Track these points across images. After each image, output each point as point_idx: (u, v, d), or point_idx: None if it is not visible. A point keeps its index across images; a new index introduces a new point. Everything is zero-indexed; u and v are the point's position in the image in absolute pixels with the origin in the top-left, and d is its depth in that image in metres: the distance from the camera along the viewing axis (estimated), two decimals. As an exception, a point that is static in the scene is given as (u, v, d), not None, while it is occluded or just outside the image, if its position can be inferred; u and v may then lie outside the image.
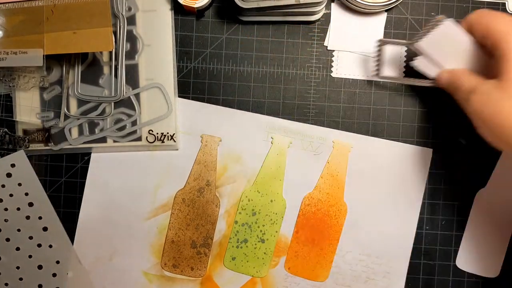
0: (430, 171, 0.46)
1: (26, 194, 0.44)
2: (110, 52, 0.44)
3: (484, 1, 0.46)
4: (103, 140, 0.45)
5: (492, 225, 0.46)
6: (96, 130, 0.45)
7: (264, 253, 0.46)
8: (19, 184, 0.44)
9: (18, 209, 0.44)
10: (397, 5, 0.44)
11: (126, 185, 0.46)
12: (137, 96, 0.45)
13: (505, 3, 0.46)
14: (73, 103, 0.45)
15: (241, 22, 0.45)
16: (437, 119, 0.46)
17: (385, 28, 0.46)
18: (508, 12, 0.46)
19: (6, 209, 0.43)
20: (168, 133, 0.45)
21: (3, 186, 0.44)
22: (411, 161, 0.46)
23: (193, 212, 0.46)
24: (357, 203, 0.46)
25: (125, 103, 0.45)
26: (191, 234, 0.46)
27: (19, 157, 0.44)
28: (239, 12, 0.44)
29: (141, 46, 0.45)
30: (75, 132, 0.45)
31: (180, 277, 0.46)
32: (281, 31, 0.46)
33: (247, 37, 0.46)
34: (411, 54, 0.42)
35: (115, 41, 0.44)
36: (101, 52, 0.44)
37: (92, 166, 0.45)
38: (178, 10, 0.45)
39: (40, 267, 0.44)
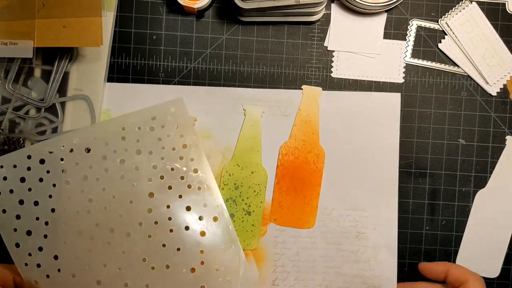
0: (430, 171, 0.46)
1: (181, 136, 0.44)
2: (43, 55, 0.44)
3: (484, 2, 0.46)
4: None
5: (492, 225, 0.46)
6: (16, 130, 0.44)
7: (252, 225, 0.46)
8: (177, 127, 0.44)
9: (174, 149, 0.43)
10: (397, 5, 0.44)
11: None
12: (62, 104, 0.44)
13: (505, 3, 0.46)
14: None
15: (241, 22, 0.45)
16: (437, 119, 0.46)
17: (385, 28, 0.46)
18: (508, 12, 0.46)
19: (163, 148, 0.43)
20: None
21: (162, 126, 0.44)
22: (382, 106, 0.46)
23: None
24: (333, 147, 0.46)
25: (50, 108, 0.44)
26: None
27: (179, 102, 0.44)
28: (239, 13, 0.44)
29: (76, 55, 0.44)
30: None
31: None
32: (281, 31, 0.46)
33: (247, 37, 0.46)
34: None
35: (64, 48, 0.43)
36: (35, 54, 0.43)
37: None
38: (178, 10, 0.45)
39: (188, 208, 0.43)
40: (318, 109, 0.46)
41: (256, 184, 0.46)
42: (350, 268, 0.46)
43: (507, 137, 0.46)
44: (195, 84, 0.46)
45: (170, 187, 0.43)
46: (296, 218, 0.46)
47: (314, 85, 0.46)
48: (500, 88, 0.46)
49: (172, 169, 0.43)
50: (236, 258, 0.43)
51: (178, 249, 0.42)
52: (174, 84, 0.46)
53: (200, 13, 0.45)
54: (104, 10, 0.44)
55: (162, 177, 0.43)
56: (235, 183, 0.46)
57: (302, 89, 0.46)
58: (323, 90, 0.46)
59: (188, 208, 0.43)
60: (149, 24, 0.46)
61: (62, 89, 0.44)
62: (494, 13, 0.46)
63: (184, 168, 0.43)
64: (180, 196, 0.43)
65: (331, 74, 0.46)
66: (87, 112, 0.45)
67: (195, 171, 0.44)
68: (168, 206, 0.43)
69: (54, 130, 0.44)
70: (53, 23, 0.41)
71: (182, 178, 0.43)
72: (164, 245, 0.42)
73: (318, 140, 0.46)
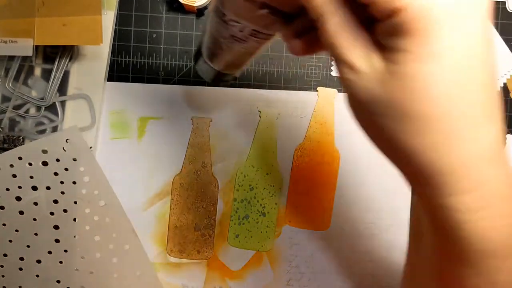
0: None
1: (81, 168, 0.43)
2: (44, 54, 0.44)
3: (484, 0, 0.46)
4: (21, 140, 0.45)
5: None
6: (16, 129, 0.44)
7: (267, 226, 0.46)
8: (74, 159, 0.43)
9: (74, 182, 0.43)
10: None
11: (116, 179, 0.45)
12: (62, 102, 0.45)
13: (505, 1, 0.46)
14: None
15: (241, 21, 0.45)
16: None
17: (385, 27, 0.46)
18: (508, 11, 0.46)
19: (62, 182, 0.43)
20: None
21: (57, 160, 0.43)
22: None
23: (193, 195, 0.46)
24: (349, 149, 0.46)
25: (50, 107, 0.44)
26: (193, 217, 0.46)
27: (73, 131, 0.43)
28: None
29: (76, 54, 0.45)
30: None
31: (187, 261, 0.46)
32: (281, 30, 0.46)
33: (247, 36, 0.46)
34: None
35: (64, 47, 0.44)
36: (36, 53, 0.43)
37: None
38: (178, 9, 0.45)
39: (96, 237, 0.43)
40: (334, 111, 0.46)
41: (271, 186, 0.46)
42: (364, 267, 0.46)
43: (507, 136, 0.46)
44: (194, 83, 0.46)
45: (75, 219, 0.43)
46: (310, 220, 0.46)
47: (313, 84, 0.46)
48: (500, 87, 0.46)
49: (75, 202, 0.43)
50: (151, 282, 0.44)
51: (91, 272, 0.43)
52: (174, 83, 0.46)
53: (200, 12, 0.45)
54: (104, 9, 0.44)
55: (65, 211, 0.43)
56: (250, 185, 0.46)
57: (317, 90, 0.46)
58: (338, 92, 0.46)
59: (97, 238, 0.43)
60: (149, 22, 0.46)
61: (62, 88, 0.45)
62: (494, 12, 0.46)
63: (88, 201, 0.43)
64: (87, 227, 0.43)
65: (331, 73, 0.46)
66: (87, 111, 0.45)
67: (100, 203, 0.43)
68: (75, 237, 0.43)
69: (54, 129, 0.45)
70: (53, 21, 0.41)
71: (87, 210, 0.43)
72: (77, 270, 0.43)
73: (334, 142, 0.46)
